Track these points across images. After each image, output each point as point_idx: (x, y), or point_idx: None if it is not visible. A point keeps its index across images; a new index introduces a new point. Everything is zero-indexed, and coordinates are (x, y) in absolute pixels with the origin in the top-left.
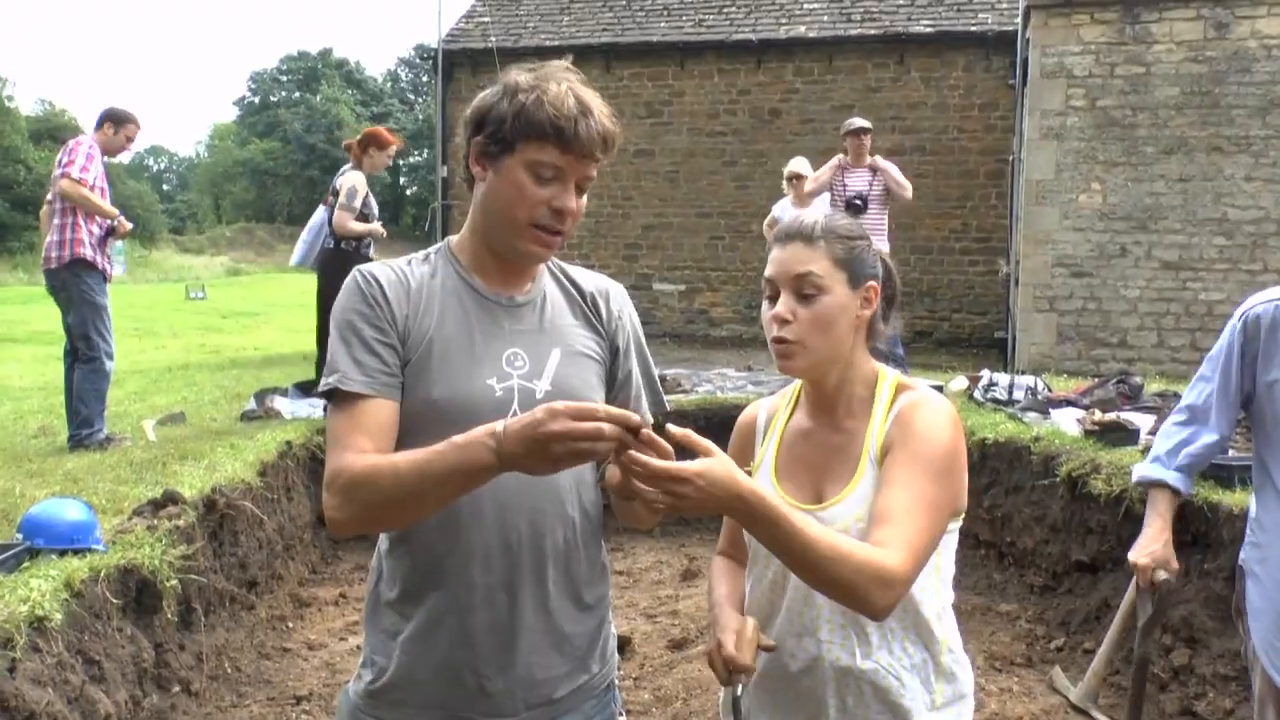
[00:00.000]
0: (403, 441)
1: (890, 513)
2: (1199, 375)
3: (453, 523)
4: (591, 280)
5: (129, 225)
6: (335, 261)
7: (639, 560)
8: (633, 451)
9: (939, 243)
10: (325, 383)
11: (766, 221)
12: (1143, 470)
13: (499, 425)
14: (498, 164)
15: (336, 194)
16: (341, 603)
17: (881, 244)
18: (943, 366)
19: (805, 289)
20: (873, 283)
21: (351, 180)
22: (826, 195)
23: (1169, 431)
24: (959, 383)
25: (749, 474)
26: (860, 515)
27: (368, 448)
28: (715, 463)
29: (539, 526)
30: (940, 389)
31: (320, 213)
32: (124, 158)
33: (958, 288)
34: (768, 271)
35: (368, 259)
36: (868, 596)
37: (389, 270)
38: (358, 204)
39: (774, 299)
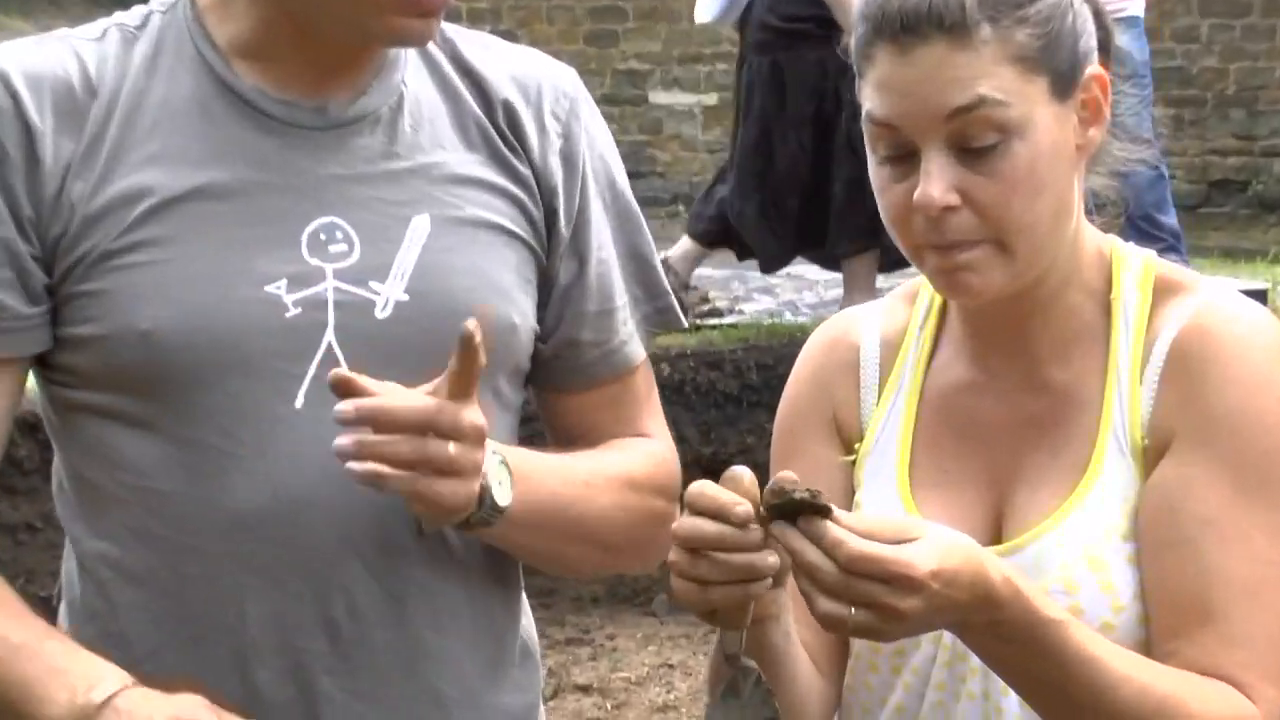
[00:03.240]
0: (101, 425)
1: (1227, 602)
2: None
3: None
4: (507, 67)
5: None
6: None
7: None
8: (830, 521)
9: None
10: None
11: None
12: None
13: (95, 696)
14: None
15: None
16: None
17: None
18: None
19: (978, 135)
20: (1091, 70)
21: None
22: None
23: None
24: None
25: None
26: (1095, 555)
27: None
28: (945, 542)
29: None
30: (1263, 297)
31: None
32: None
33: None
34: (879, 108)
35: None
36: None
37: (48, 59)
38: None
39: (899, 161)
